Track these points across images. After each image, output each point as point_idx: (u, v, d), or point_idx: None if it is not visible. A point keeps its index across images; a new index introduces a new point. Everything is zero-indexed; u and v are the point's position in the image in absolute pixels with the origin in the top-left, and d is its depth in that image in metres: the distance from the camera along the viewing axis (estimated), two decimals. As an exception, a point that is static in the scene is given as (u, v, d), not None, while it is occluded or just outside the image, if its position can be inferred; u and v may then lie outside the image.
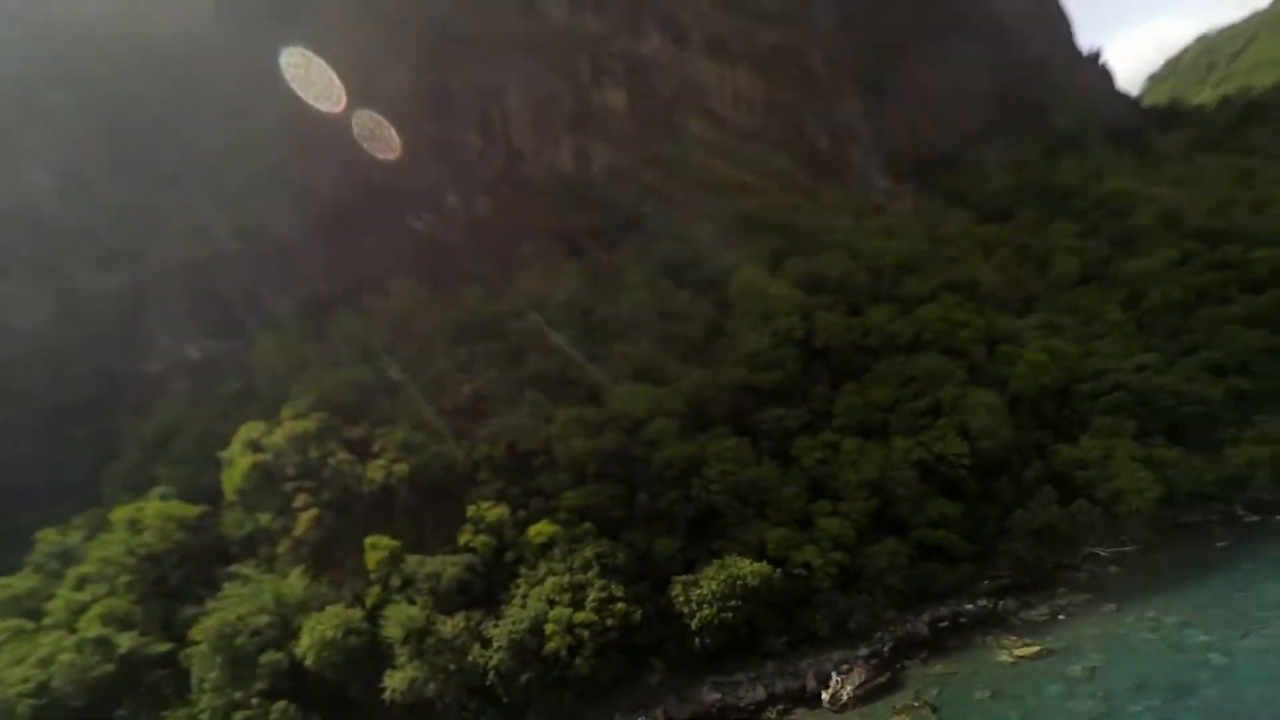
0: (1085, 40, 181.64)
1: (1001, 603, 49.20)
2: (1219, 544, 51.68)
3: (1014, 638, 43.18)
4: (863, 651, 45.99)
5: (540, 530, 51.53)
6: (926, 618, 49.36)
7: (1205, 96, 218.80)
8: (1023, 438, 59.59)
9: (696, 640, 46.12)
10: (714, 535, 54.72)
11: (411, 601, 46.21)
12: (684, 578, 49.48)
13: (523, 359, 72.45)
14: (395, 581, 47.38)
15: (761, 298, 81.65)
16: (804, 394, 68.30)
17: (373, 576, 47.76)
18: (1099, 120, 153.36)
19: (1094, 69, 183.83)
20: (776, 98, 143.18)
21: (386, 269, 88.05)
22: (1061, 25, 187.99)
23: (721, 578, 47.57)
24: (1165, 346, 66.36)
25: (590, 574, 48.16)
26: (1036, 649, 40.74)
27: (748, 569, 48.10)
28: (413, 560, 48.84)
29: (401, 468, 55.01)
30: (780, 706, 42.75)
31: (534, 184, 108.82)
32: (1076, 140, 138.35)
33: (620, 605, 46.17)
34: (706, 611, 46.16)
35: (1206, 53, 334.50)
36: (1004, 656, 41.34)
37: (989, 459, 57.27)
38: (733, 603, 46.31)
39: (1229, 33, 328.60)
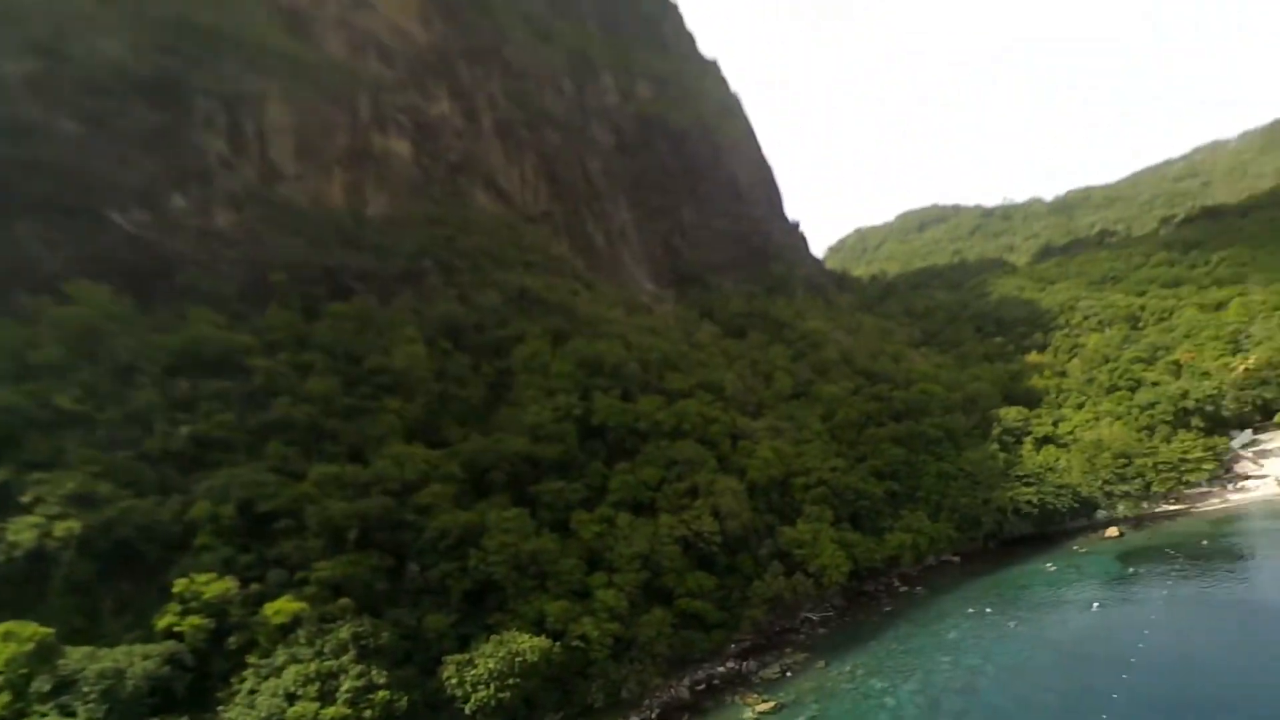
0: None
1: (745, 664, 58.11)
2: (886, 609, 69.81)
3: (755, 695, 51.39)
4: None
5: (281, 608, 44.13)
6: (687, 681, 55.34)
7: (861, 271, 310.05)
8: (758, 519, 73.25)
9: (471, 725, 43.67)
10: (492, 609, 53.54)
11: (69, 713, 34.43)
12: (458, 657, 47.12)
13: (267, 404, 62.85)
14: (42, 685, 34.86)
15: (544, 372, 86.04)
16: (581, 469, 73.00)
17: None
18: (800, 273, 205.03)
19: (796, 234, 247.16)
20: (559, 192, 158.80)
21: (64, 265, 68.62)
22: (776, 196, 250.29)
23: (500, 655, 46.75)
24: (848, 454, 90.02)
25: (345, 659, 42.73)
26: (772, 704, 49.24)
27: (527, 644, 48.26)
28: (76, 654, 36.80)
29: (68, 526, 42.05)
30: None
31: (294, 210, 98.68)
32: (787, 284, 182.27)
33: (382, 694, 41.74)
34: (483, 693, 44.55)
35: (860, 240, 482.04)
36: (748, 713, 48.88)
37: (734, 537, 68.77)
38: (511, 680, 45.70)
39: (873, 230, 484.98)
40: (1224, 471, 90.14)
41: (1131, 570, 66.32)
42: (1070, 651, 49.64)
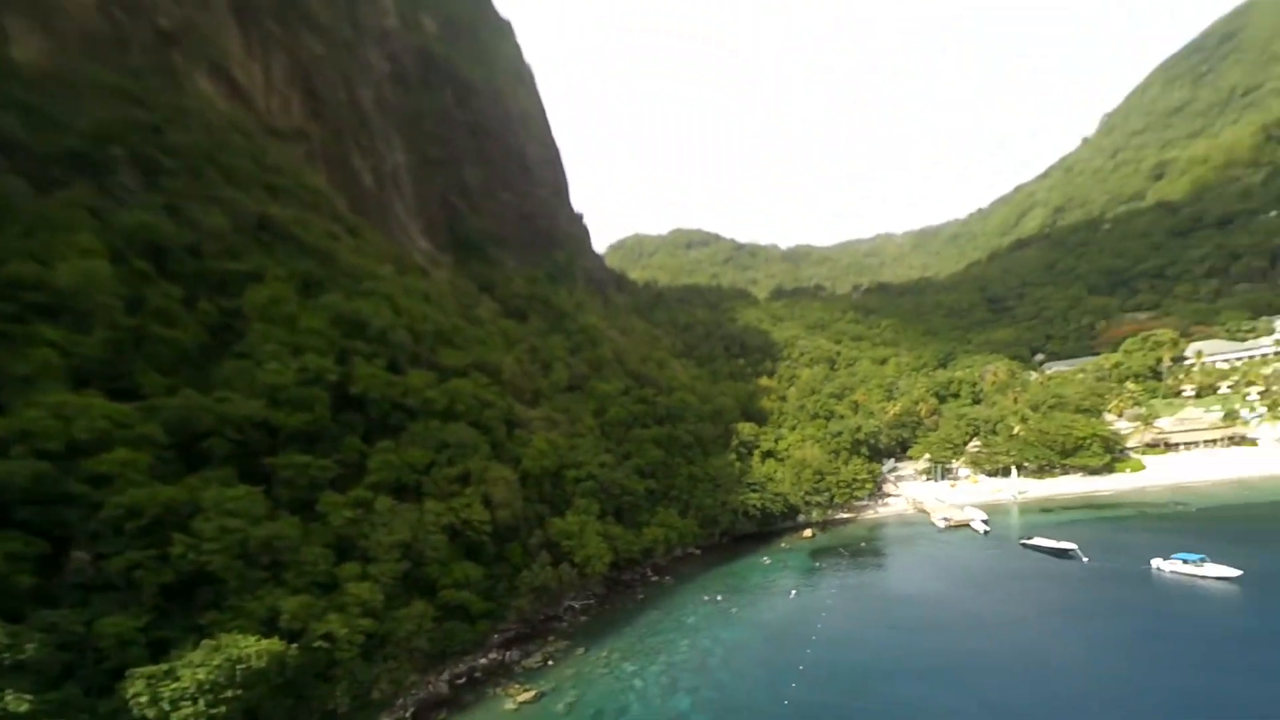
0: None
1: (508, 654, 58.19)
2: (639, 597, 76.70)
3: (517, 685, 51.97)
4: None
5: None
6: (446, 675, 53.13)
7: (637, 274, 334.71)
8: (529, 509, 73.88)
9: (173, 754, 35.46)
10: (203, 607, 44.19)
11: None
12: (150, 669, 37.92)
13: None
14: None
15: (289, 325, 74.24)
16: (334, 443, 64.79)
17: None
18: (582, 265, 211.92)
19: (580, 225, 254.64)
20: (319, 111, 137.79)
21: None
22: (563, 181, 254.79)
23: (214, 663, 39.17)
24: (616, 450, 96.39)
25: (-42, 684, 31.12)
26: (533, 693, 50.42)
27: (253, 648, 41.31)
28: None
29: None
30: None
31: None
32: (569, 273, 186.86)
33: (24, 728, 31.44)
34: (187, 710, 36.70)
35: (638, 244, 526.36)
36: (509, 704, 49.21)
37: (505, 526, 68.28)
38: (229, 693, 38.48)
39: (649, 238, 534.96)
40: (878, 490, 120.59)
41: (818, 565, 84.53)
42: (775, 632, 60.98)
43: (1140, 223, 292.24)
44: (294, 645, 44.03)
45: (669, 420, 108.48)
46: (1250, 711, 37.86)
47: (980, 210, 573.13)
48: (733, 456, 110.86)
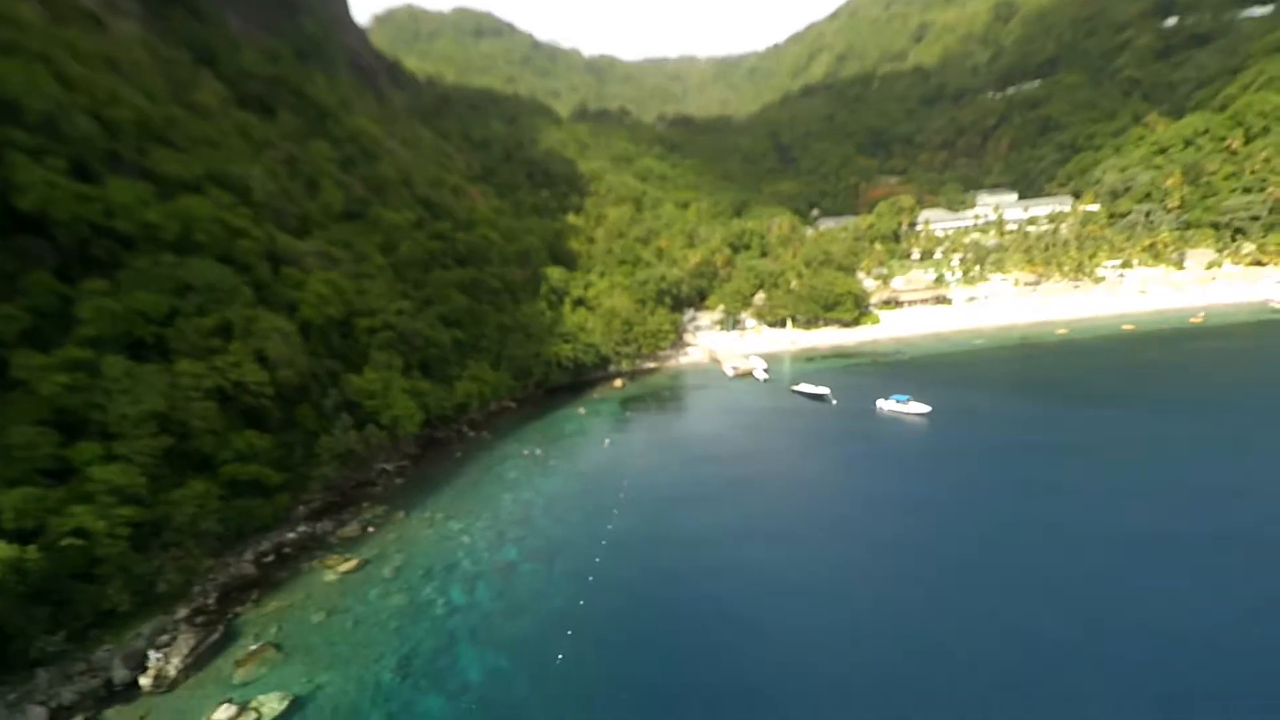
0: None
1: (319, 525, 55.47)
2: (456, 454, 76.89)
3: (336, 556, 50.60)
4: (183, 613, 41.70)
5: None
6: (250, 555, 49.41)
7: (414, 64, 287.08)
8: (318, 365, 66.73)
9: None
10: None
11: None
12: None
13: None
14: None
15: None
16: (10, 282, 50.08)
17: None
18: (342, 43, 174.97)
19: None
20: None
21: None
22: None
23: None
24: (415, 295, 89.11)
25: None
26: (355, 562, 49.81)
27: None
28: None
29: None
30: (83, 717, 33.48)
31: None
32: (323, 53, 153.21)
33: None
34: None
35: (413, 21, 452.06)
36: (330, 575, 48.13)
37: (290, 387, 61.30)
38: (-52, 620, 31.60)
39: (427, 14, 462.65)
40: (679, 340, 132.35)
41: (628, 414, 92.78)
42: (592, 478, 67.29)
43: (900, 85, 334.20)
44: (30, 548, 36.59)
45: (472, 261, 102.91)
46: (927, 503, 55.69)
47: (776, 46, 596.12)
48: (543, 304, 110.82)
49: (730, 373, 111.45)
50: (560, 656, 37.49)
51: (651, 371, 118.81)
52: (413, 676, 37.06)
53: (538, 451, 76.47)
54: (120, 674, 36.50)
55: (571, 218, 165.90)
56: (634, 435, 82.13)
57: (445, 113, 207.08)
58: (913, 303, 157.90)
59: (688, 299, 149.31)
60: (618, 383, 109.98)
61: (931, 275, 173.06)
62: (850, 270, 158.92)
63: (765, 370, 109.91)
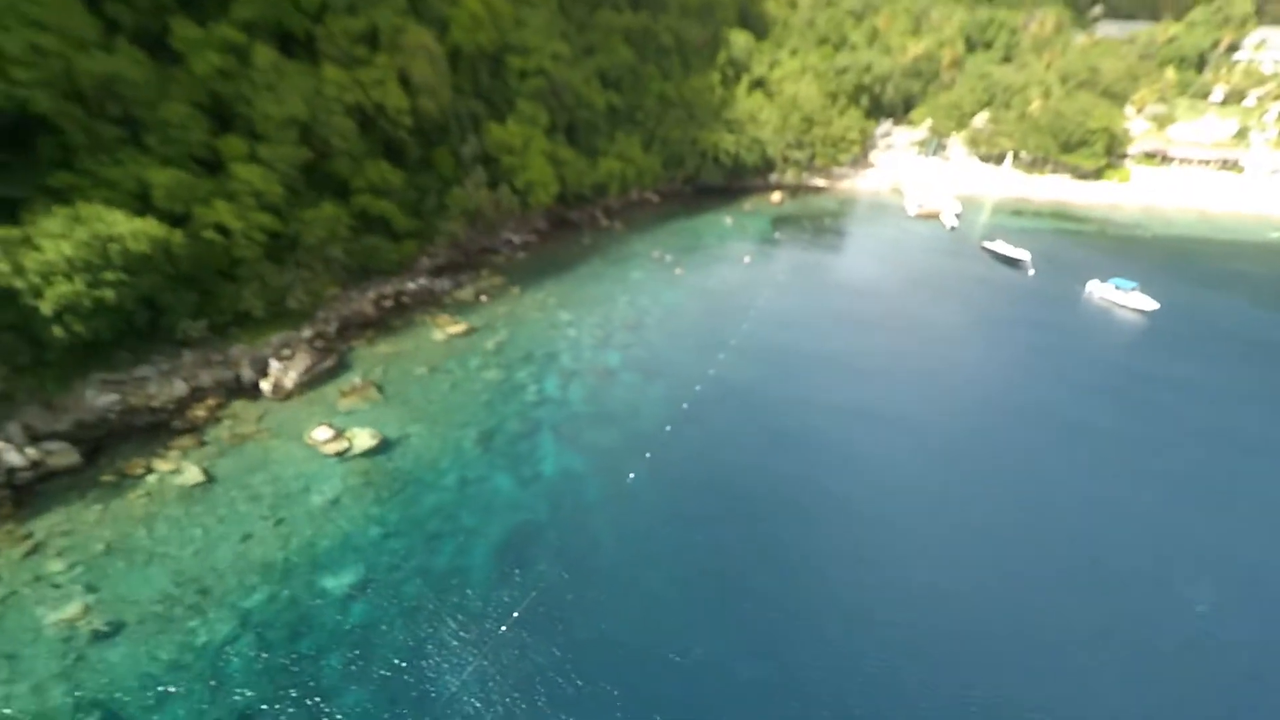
0: None
1: (438, 282, 58.08)
2: (585, 241, 75.99)
3: (447, 316, 53.10)
4: (307, 333, 46.00)
5: None
6: (372, 295, 53.10)
7: None
8: (461, 104, 64.45)
9: (57, 329, 34.19)
10: (52, 165, 37.84)
11: None
12: (3, 231, 33.56)
13: None
14: None
15: None
16: None
17: None
18: None
19: None
20: None
21: None
22: None
23: (80, 237, 35.14)
24: (576, 40, 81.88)
25: None
26: (464, 327, 51.88)
27: (125, 226, 37.06)
28: None
29: None
30: (211, 401, 39.13)
31: None
32: None
33: None
34: (64, 288, 34.06)
35: None
36: (438, 334, 50.77)
37: (430, 123, 60.00)
38: (109, 275, 35.65)
39: None
40: (863, 157, 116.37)
41: (778, 235, 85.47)
42: (717, 301, 63.73)
43: None
44: (177, 231, 39.90)
45: (646, 5, 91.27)
46: (1118, 439, 45.20)
47: None
48: (716, 78, 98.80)
49: (913, 211, 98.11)
50: (632, 476, 37.60)
51: (818, 191, 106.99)
52: (491, 452, 39.10)
53: (668, 257, 73.19)
54: (247, 374, 41.41)
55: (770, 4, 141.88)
56: (778, 262, 75.80)
57: None
58: (1188, 161, 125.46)
59: (890, 106, 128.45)
60: (775, 196, 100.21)
61: (1233, 127, 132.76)
62: (1120, 100, 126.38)
63: (957, 216, 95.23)
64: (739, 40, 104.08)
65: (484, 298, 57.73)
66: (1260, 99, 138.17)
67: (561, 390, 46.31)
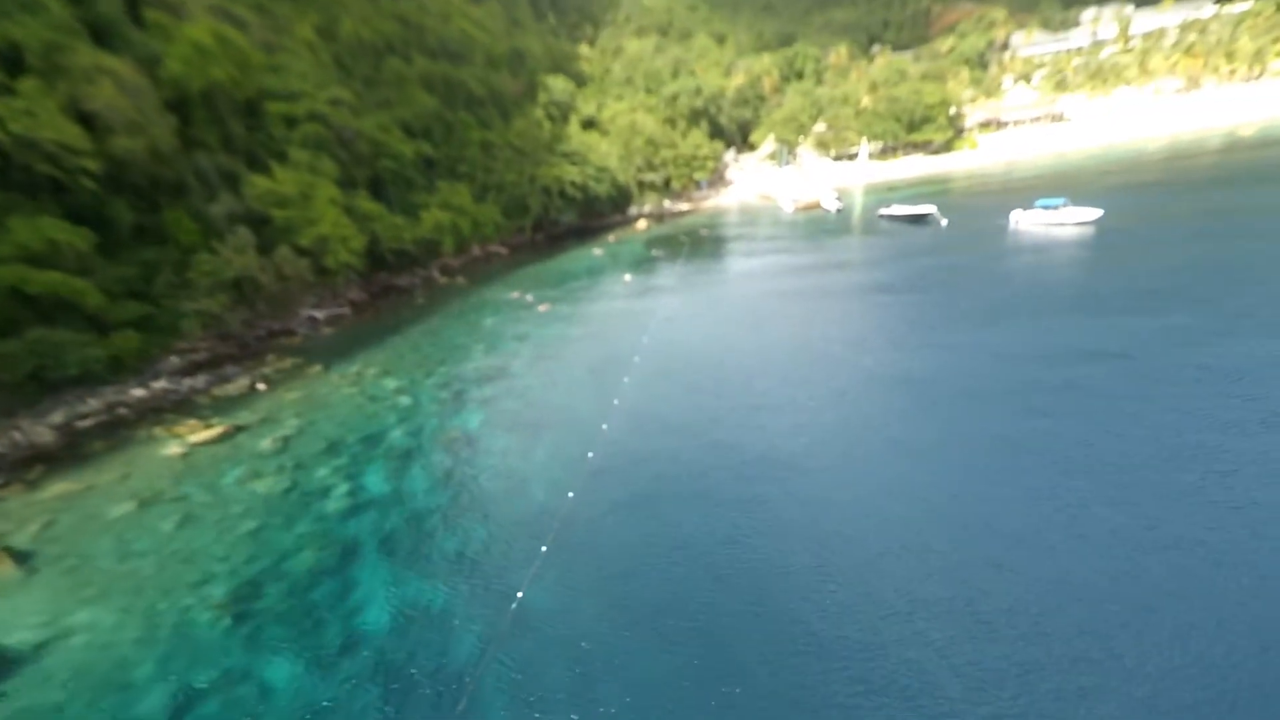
0: None
1: (189, 380, 37.52)
2: (419, 302, 57.85)
3: (196, 420, 32.96)
4: None
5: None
6: (59, 418, 31.72)
7: None
8: (202, 159, 46.93)
9: None
10: None
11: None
12: None
13: None
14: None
15: None
16: None
17: None
18: None
19: None
20: None
21: None
22: None
23: None
24: (365, 94, 67.76)
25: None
26: (219, 430, 32.12)
27: None
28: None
29: None
30: None
31: None
32: None
33: None
34: None
35: None
36: (173, 448, 30.65)
37: (143, 175, 41.84)
38: None
39: None
40: (719, 177, 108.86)
41: (654, 253, 72.16)
42: (599, 327, 47.14)
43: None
44: None
45: (446, 56, 79.51)
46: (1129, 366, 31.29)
47: None
48: (541, 114, 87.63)
49: (790, 207, 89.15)
50: (521, 595, 18.88)
51: (684, 214, 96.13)
52: (254, 620, 19.11)
53: (529, 297, 56.84)
54: None
55: (583, 47, 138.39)
56: (662, 275, 61.39)
57: None
58: (1021, 122, 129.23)
59: (728, 134, 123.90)
60: (641, 224, 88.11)
61: (1036, 95, 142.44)
62: (940, 79, 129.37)
63: (838, 200, 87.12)
64: (558, 84, 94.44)
65: (261, 385, 37.80)
66: (1044, 79, 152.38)
67: (393, 482, 26.93)
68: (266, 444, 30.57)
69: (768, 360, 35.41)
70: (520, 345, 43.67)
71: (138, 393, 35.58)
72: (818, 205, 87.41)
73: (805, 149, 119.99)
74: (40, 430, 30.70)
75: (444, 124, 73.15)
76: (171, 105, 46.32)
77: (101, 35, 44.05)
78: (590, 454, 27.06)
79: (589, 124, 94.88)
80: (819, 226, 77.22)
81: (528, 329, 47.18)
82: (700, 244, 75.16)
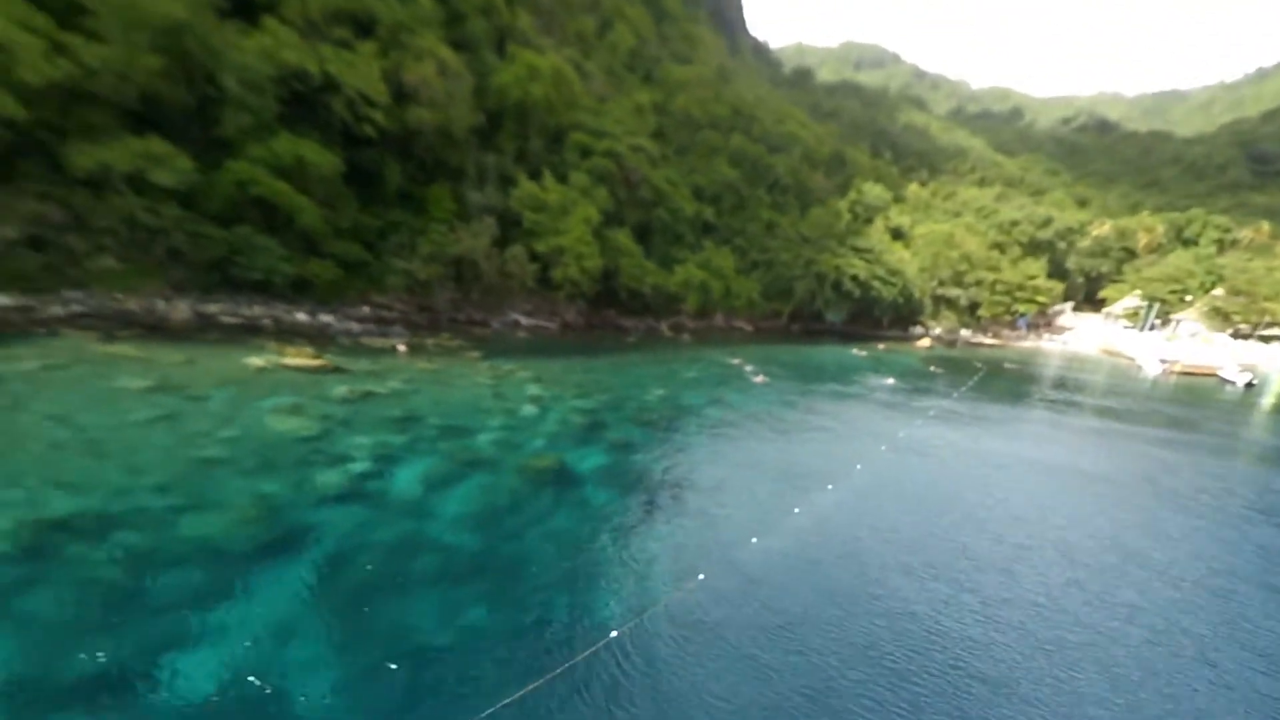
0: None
1: (350, 325, 34.04)
2: (629, 340, 49.71)
3: (309, 350, 27.53)
4: None
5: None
6: (211, 309, 29.35)
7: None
8: (491, 159, 46.51)
9: None
10: None
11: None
12: None
13: None
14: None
15: None
16: None
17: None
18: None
19: None
20: None
21: None
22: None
23: None
24: (675, 160, 64.66)
25: None
26: (316, 363, 25.55)
27: None
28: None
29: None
30: None
31: None
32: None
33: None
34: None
35: (799, 56, 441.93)
36: (257, 361, 24.71)
37: (428, 148, 41.75)
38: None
39: (814, 50, 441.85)
40: (1044, 318, 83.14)
41: (931, 369, 53.36)
42: (825, 421, 32.33)
43: None
44: None
45: (765, 144, 73.99)
46: None
47: (1259, 70, 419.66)
48: (842, 206, 76.01)
49: (1155, 368, 61.69)
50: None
51: (985, 347, 73.39)
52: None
53: (748, 366, 43.31)
54: None
55: (913, 187, 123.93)
56: (937, 394, 41.83)
57: (801, 85, 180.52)
58: None
59: (1071, 280, 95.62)
60: (924, 342, 68.96)
61: None
62: None
63: (1245, 373, 57.40)
64: (873, 190, 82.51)
65: (401, 348, 31.88)
66: None
67: (439, 487, 16.60)
68: (342, 391, 23.40)
69: (1055, 542, 17.45)
70: (702, 404, 31.34)
71: (299, 316, 32.64)
72: (1211, 373, 58.60)
73: (1186, 316, 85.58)
74: (180, 308, 28.43)
75: (737, 196, 66.95)
76: (488, 111, 47.22)
77: (458, 44, 46.42)
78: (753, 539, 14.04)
79: (896, 234, 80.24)
80: (1203, 397, 49.79)
81: (730, 395, 34.55)
82: (1000, 375, 53.72)
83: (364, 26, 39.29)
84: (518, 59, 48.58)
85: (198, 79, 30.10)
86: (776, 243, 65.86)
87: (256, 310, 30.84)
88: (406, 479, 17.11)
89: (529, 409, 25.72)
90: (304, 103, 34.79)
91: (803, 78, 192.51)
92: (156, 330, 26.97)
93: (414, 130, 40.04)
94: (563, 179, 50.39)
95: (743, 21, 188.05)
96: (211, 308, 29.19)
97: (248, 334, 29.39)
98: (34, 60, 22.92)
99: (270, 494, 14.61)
